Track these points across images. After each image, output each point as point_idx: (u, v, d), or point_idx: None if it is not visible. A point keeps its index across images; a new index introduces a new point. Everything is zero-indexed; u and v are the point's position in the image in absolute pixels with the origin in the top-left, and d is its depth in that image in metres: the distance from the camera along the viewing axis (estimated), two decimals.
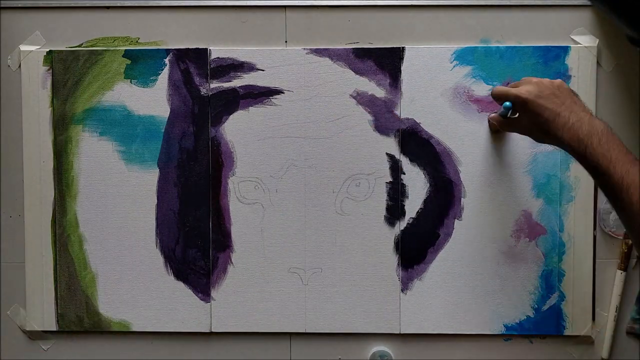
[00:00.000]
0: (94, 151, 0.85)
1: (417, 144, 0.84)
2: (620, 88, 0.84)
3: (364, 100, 0.84)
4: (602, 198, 0.84)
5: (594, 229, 0.84)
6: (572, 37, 0.83)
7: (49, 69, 0.85)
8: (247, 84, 0.84)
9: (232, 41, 0.85)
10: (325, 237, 0.84)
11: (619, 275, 0.83)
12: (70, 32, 0.85)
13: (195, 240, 0.84)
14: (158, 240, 0.85)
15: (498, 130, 0.81)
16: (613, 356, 0.85)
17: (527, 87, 0.71)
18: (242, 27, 0.85)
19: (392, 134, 0.84)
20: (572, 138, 0.67)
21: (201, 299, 0.85)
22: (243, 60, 0.84)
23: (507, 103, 0.72)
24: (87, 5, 0.85)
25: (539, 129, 0.70)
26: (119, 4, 0.85)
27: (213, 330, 0.85)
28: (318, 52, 0.84)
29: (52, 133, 0.85)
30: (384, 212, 0.84)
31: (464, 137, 0.83)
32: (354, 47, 0.84)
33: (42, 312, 0.86)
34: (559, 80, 0.72)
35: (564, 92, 0.70)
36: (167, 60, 0.84)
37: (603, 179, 0.66)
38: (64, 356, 0.86)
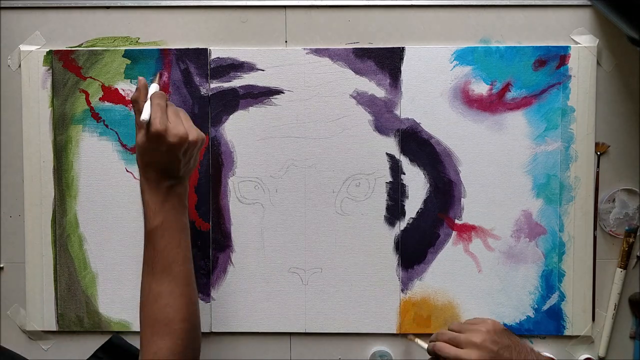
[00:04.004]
0: (94, 151, 0.85)
1: (417, 144, 0.84)
2: (620, 88, 0.84)
3: (364, 100, 0.84)
4: (602, 198, 0.84)
5: (594, 229, 0.84)
6: (572, 37, 0.84)
7: (49, 69, 0.85)
8: (247, 84, 0.84)
9: (232, 41, 0.85)
10: (325, 237, 0.84)
11: (619, 273, 0.84)
12: (70, 32, 0.85)
13: (195, 240, 0.84)
14: None
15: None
16: (611, 355, 0.85)
17: (474, 353, 0.69)
18: (242, 27, 0.85)
19: (392, 134, 0.84)
20: None
21: (201, 299, 0.85)
22: (243, 60, 0.84)
23: None
24: (87, 5, 0.85)
25: None
26: (119, 4, 0.85)
27: (213, 330, 0.85)
28: (318, 52, 0.84)
29: (52, 133, 0.85)
30: (384, 212, 0.84)
31: (464, 137, 0.84)
32: (354, 47, 0.84)
33: (42, 312, 0.86)
34: (498, 327, 0.72)
35: (504, 339, 0.71)
36: (167, 60, 0.84)
37: None
38: (64, 356, 0.86)
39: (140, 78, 0.73)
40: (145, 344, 0.69)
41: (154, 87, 0.75)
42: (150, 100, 0.72)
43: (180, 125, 0.71)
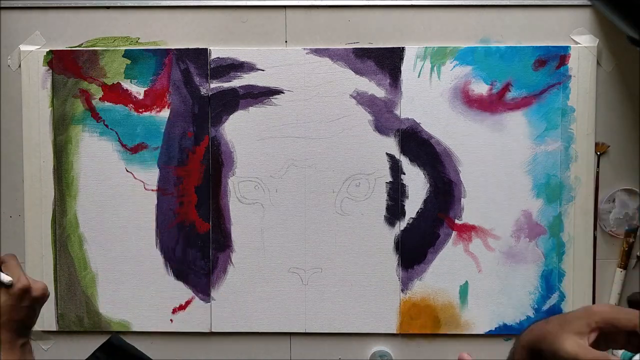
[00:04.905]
0: (94, 151, 0.85)
1: (417, 144, 0.84)
2: (620, 88, 0.84)
3: (364, 100, 0.84)
4: (602, 198, 0.84)
5: (594, 229, 0.84)
6: (572, 37, 0.83)
7: (49, 69, 0.85)
8: (247, 84, 0.84)
9: (232, 41, 0.85)
10: (325, 237, 0.84)
11: (619, 273, 0.83)
12: (70, 32, 0.85)
13: (195, 240, 0.84)
14: (158, 240, 0.85)
15: None
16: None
17: None
18: (242, 27, 0.85)
19: (392, 134, 0.84)
20: None
21: (201, 299, 0.85)
22: (243, 60, 0.84)
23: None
24: (87, 5, 0.85)
25: None
26: (119, 4, 0.85)
27: (213, 330, 0.85)
28: (318, 52, 0.83)
29: (52, 133, 0.85)
30: (384, 212, 0.84)
31: (464, 137, 0.83)
32: (354, 47, 0.84)
33: (42, 312, 0.85)
34: None
35: None
36: (167, 60, 0.84)
37: None
38: (64, 356, 0.86)
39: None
40: None
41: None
42: (4, 261, 0.68)
43: (38, 280, 0.69)
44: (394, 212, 0.84)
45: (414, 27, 0.84)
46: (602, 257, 0.84)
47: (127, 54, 0.84)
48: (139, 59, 0.84)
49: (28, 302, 0.69)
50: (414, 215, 0.84)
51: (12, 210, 0.86)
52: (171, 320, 0.85)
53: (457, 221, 0.84)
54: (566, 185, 0.83)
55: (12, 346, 0.70)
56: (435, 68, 0.83)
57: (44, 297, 0.71)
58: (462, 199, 0.84)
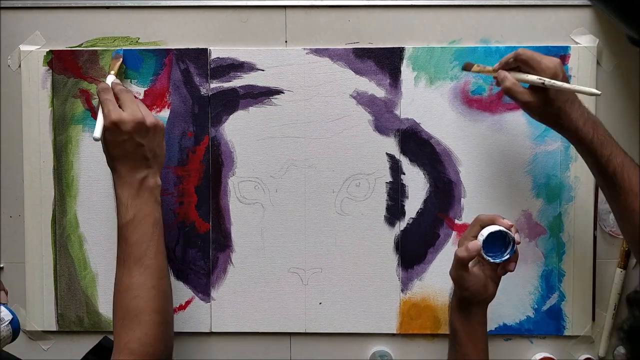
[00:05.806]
0: (94, 151, 0.85)
1: (417, 144, 0.84)
2: (620, 88, 0.84)
3: (364, 100, 0.84)
4: (602, 198, 0.84)
5: (594, 229, 0.84)
6: (572, 37, 0.84)
7: (49, 69, 0.85)
8: (247, 84, 0.84)
9: (232, 41, 0.85)
10: (325, 237, 0.84)
11: (619, 273, 0.83)
12: (70, 32, 0.85)
13: (195, 240, 0.84)
14: None
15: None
16: (611, 355, 0.85)
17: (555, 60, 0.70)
18: (242, 27, 0.85)
19: (392, 134, 0.84)
20: (585, 124, 0.70)
21: (201, 299, 0.85)
22: (243, 60, 0.84)
23: None
24: (87, 5, 0.85)
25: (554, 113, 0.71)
26: (119, 4, 0.85)
27: (213, 330, 0.85)
28: (318, 52, 0.84)
29: (52, 133, 0.85)
30: (384, 212, 0.84)
31: (464, 137, 0.84)
32: (354, 47, 0.84)
33: (42, 312, 0.86)
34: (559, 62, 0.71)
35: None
36: (167, 60, 0.84)
37: (601, 166, 0.70)
38: (64, 356, 0.86)
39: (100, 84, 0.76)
40: (116, 336, 0.71)
41: (110, 79, 0.78)
42: (98, 96, 0.74)
43: (137, 111, 0.73)
44: (394, 212, 0.84)
45: (414, 27, 0.84)
46: (602, 257, 0.84)
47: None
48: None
49: (125, 135, 0.72)
50: (414, 215, 0.84)
51: (12, 210, 0.86)
52: None
53: (457, 221, 0.84)
54: (566, 185, 0.83)
55: (128, 180, 0.73)
56: (435, 68, 0.83)
57: (140, 129, 0.72)
58: (462, 199, 0.84)
